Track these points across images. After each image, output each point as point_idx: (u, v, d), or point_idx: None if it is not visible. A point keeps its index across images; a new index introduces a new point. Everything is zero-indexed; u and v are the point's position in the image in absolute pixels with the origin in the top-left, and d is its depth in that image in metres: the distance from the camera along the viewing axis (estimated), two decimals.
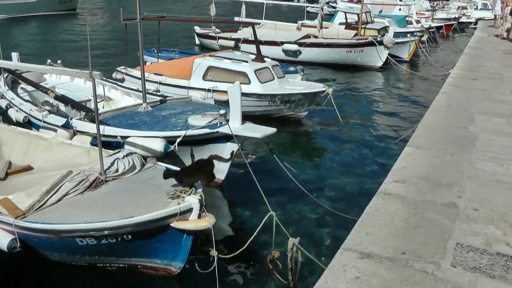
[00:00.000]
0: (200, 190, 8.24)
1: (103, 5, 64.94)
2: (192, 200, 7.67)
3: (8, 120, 13.01)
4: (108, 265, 8.47)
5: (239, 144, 10.73)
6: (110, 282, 8.45)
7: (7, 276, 8.21)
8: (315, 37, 28.82)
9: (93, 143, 10.97)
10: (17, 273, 8.31)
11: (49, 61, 17.00)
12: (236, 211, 10.92)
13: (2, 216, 8.01)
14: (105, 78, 15.41)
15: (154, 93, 14.84)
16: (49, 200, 8.36)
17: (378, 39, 27.62)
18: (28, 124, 12.99)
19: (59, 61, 17.15)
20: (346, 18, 31.63)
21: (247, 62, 16.66)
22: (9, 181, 10.19)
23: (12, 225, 7.82)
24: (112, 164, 9.25)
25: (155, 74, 17.20)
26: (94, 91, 8.93)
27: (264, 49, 18.07)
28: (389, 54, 27.64)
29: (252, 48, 19.33)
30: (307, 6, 39.25)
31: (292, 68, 19.86)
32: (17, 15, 33.36)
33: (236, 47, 26.08)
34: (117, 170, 9.20)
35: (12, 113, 13.63)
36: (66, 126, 11.84)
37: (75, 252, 8.25)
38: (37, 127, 12.60)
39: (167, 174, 8.75)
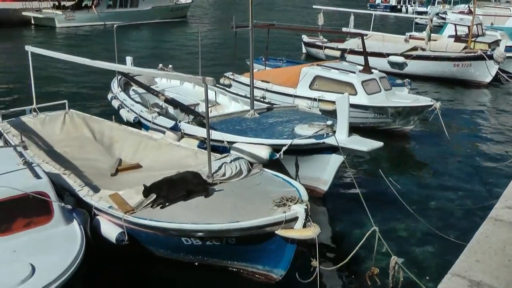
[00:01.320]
0: (306, 199, 8.24)
1: (210, 13, 66.85)
2: (298, 209, 7.66)
3: (119, 120, 13.65)
4: (209, 266, 8.65)
5: (345, 156, 10.59)
6: (210, 283, 8.65)
7: (114, 267, 8.62)
8: (423, 49, 27.83)
9: (200, 146, 11.29)
10: (123, 265, 8.69)
11: (160, 65, 17.71)
12: (338, 223, 10.84)
13: (112, 210, 8.43)
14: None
15: (262, 100, 15.06)
16: None
17: (488, 53, 26.22)
18: (138, 124, 13.55)
19: (170, 66, 17.82)
20: (456, 30, 30.61)
21: (354, 73, 16.47)
22: (119, 177, 10.74)
23: (122, 219, 8.22)
24: (220, 167, 9.42)
25: (262, 81, 17.38)
26: (206, 96, 9.17)
27: (370, 60, 17.77)
28: (499, 69, 26.16)
29: (357, 59, 19.14)
30: (415, 18, 38.34)
31: (399, 81, 19.37)
32: (133, 22, 35.17)
33: (342, 57, 25.94)
34: (224, 174, 9.37)
35: (124, 113, 14.29)
36: (175, 128, 12.23)
37: (180, 250, 8.51)
38: (147, 128, 13.14)
39: (147, 189, 8.47)
